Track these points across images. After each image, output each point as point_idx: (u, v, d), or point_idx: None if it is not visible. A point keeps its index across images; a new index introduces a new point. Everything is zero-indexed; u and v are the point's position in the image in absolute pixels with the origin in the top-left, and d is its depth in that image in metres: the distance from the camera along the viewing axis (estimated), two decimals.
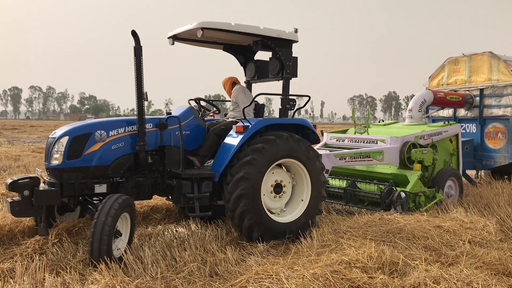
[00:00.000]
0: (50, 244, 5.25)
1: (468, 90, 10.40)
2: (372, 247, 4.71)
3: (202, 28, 5.63)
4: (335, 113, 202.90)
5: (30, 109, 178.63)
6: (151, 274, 4.51)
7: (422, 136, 8.34)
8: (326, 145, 8.92)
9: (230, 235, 6.04)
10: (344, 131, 9.60)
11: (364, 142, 8.34)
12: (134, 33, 5.21)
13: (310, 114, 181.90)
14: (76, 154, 5.18)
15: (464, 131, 10.33)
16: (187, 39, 6.50)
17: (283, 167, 6.23)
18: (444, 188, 8.07)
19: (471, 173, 10.48)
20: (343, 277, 4.07)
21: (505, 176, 10.28)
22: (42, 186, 5.15)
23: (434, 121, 10.94)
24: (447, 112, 10.98)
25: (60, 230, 5.55)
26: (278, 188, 6.04)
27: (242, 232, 5.72)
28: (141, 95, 5.36)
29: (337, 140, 8.86)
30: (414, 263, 4.61)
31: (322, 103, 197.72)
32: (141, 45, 5.28)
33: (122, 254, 4.78)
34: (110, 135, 5.39)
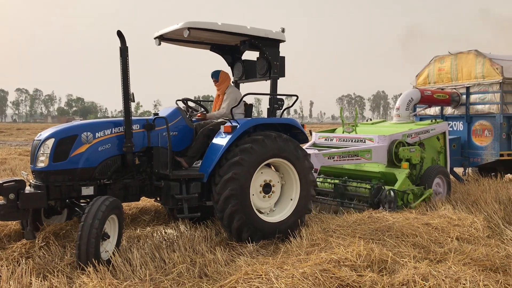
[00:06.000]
0: (37, 248, 5.19)
1: (454, 88, 10.49)
2: (361, 245, 4.72)
3: (189, 28, 5.61)
4: (324, 113, 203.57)
5: (16, 112, 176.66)
6: (139, 276, 4.48)
7: (409, 135, 8.39)
8: (314, 145, 8.94)
9: (219, 236, 6.02)
10: (333, 131, 9.63)
11: (352, 141, 8.37)
12: (120, 34, 5.17)
13: (299, 114, 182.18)
14: (62, 156, 5.12)
15: (451, 129, 10.41)
16: (173, 39, 6.48)
17: (272, 167, 6.23)
18: (432, 186, 8.13)
19: (459, 170, 10.56)
20: (333, 275, 4.07)
21: (492, 173, 10.38)
22: (28, 189, 5.08)
23: (421, 119, 11.01)
24: (434, 110, 11.05)
25: (47, 233, 5.49)
26: (267, 188, 6.03)
27: (231, 232, 5.70)
28: (127, 96, 5.32)
29: (325, 140, 8.88)
30: (403, 260, 4.62)
31: (311, 103, 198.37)
32: (127, 45, 5.25)
33: (110, 256, 4.74)
34: (96, 136, 5.34)
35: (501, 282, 4.11)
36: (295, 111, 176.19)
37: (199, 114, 6.47)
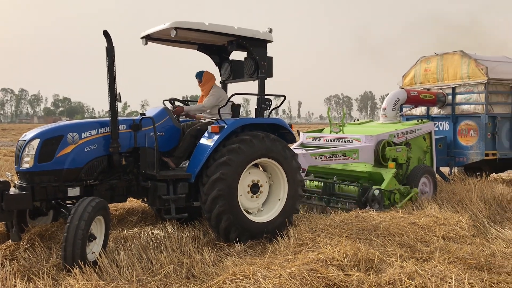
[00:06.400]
0: (22, 250, 5.13)
1: (440, 89, 10.59)
2: (348, 244, 4.75)
3: (176, 28, 5.59)
4: (312, 113, 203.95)
5: (1, 112, 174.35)
6: (126, 278, 4.45)
7: (396, 135, 8.45)
8: (302, 145, 8.96)
9: (207, 236, 6.01)
10: (320, 131, 9.67)
11: (339, 141, 8.41)
12: (106, 33, 5.14)
13: (287, 114, 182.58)
14: (47, 157, 5.08)
15: (437, 128, 10.50)
16: (160, 39, 6.45)
17: (260, 167, 6.23)
18: (419, 185, 8.20)
19: (445, 170, 10.67)
20: (320, 275, 4.09)
21: (478, 172, 10.50)
22: (12, 190, 5.01)
23: (408, 119, 11.09)
24: (421, 110, 11.14)
25: (32, 235, 5.44)
26: (255, 188, 6.03)
27: (219, 233, 5.69)
28: (114, 96, 5.29)
29: (313, 140, 8.91)
30: (389, 259, 4.66)
31: (299, 103, 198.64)
32: (114, 45, 5.21)
33: (97, 257, 4.71)
34: (82, 137, 5.30)
35: (485, 280, 4.15)
36: (284, 111, 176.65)
37: (177, 108, 6.41)
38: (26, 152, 5.07)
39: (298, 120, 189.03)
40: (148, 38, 6.30)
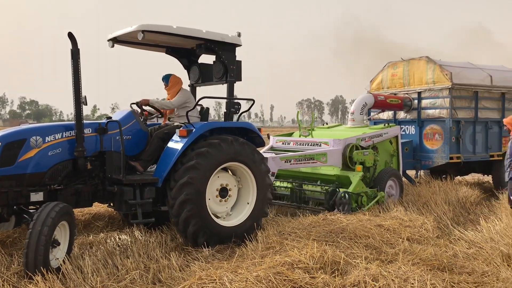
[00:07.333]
0: None
1: (407, 93, 10.81)
2: (314, 247, 4.78)
3: (143, 31, 5.54)
4: (285, 117, 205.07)
5: None
6: (91, 284, 4.38)
7: (363, 138, 8.58)
8: (272, 148, 9.01)
9: (175, 241, 5.96)
10: (290, 134, 9.75)
11: (308, 144, 8.49)
12: (70, 35, 5.05)
13: (260, 117, 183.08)
14: (9, 161, 4.95)
15: (403, 132, 10.70)
16: (128, 42, 6.38)
17: (229, 171, 6.23)
18: (385, 188, 8.34)
19: (411, 173, 10.89)
20: (286, 278, 4.11)
21: (443, 175, 10.75)
22: None
23: (375, 123, 11.28)
24: (387, 115, 11.35)
25: None
26: (223, 192, 6.02)
27: (187, 237, 5.66)
28: (79, 100, 5.20)
29: (283, 143, 8.97)
30: (355, 261, 4.72)
31: (272, 107, 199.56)
32: (79, 47, 5.13)
33: (60, 264, 4.60)
34: (46, 140, 5.19)
35: (447, 280, 4.26)
36: (256, 114, 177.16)
37: (142, 100, 6.31)
38: None
39: (270, 123, 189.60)
40: (115, 40, 6.22)
